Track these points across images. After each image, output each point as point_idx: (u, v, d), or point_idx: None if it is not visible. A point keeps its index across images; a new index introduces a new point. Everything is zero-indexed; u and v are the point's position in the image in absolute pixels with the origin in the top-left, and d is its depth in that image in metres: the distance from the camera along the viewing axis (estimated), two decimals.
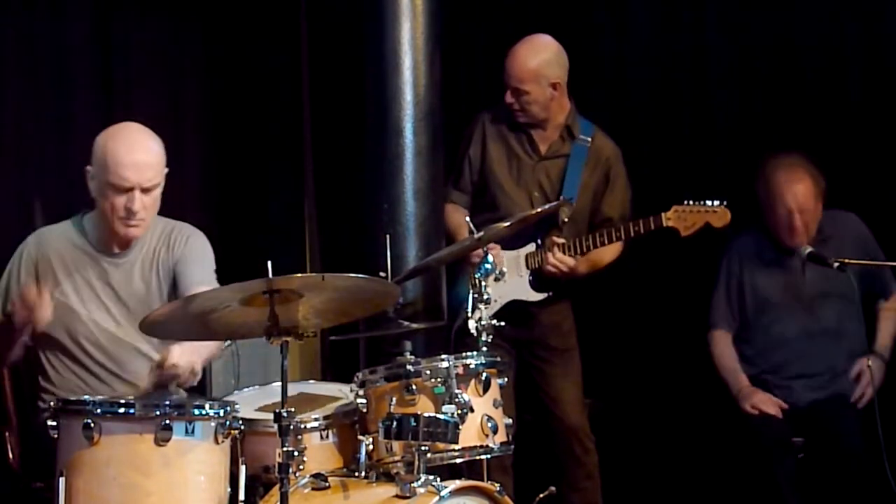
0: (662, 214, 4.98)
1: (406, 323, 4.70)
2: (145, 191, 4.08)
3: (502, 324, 4.29)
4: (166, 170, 4.17)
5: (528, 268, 5.09)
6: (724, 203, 4.98)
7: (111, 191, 4.06)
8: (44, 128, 5.36)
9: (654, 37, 5.99)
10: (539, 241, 5.09)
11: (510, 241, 5.02)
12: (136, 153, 4.06)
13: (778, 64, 5.78)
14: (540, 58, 5.08)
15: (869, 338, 5.05)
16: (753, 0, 5.80)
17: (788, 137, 5.53)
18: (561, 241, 5.03)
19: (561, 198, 5.08)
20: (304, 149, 6.15)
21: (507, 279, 4.99)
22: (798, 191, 5.03)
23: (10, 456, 4.23)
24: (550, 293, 5.12)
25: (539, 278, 5.10)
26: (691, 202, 4.98)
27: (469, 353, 4.02)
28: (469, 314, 4.23)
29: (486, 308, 4.23)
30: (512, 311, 5.05)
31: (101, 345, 4.17)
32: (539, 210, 4.77)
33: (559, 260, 5.01)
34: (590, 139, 5.16)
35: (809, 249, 4.99)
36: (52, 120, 5.39)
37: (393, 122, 4.83)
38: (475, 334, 4.20)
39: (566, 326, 5.22)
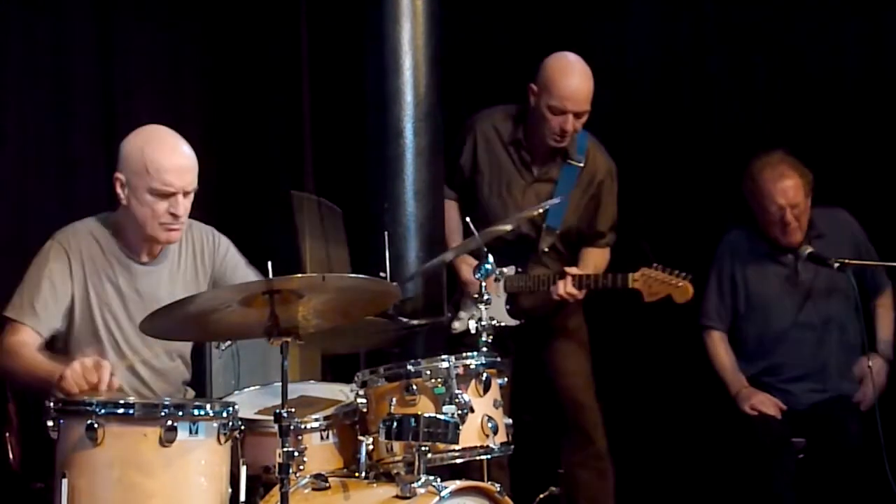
0: (630, 276, 4.90)
1: (406, 320, 4.70)
2: (186, 194, 4.03)
3: (502, 324, 4.28)
4: None
5: (505, 291, 5.03)
6: (689, 278, 4.90)
7: (153, 196, 3.99)
8: (43, 127, 5.36)
9: (654, 38, 6.00)
10: (518, 268, 5.04)
11: None
12: (178, 158, 4.02)
13: (777, 63, 5.79)
14: (591, 76, 4.98)
15: (870, 336, 5.07)
16: (753, 1, 5.81)
17: (786, 136, 5.53)
18: (576, 272, 4.94)
19: (544, 225, 5.03)
20: (304, 149, 6.15)
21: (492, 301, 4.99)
22: (787, 187, 5.03)
23: (11, 456, 4.23)
24: (523, 321, 5.07)
25: (514, 304, 5.05)
26: (659, 268, 4.89)
27: (469, 354, 4.02)
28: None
29: (486, 308, 4.24)
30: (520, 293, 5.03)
31: (122, 352, 4.08)
32: (538, 209, 4.76)
33: (569, 293, 4.93)
34: (583, 161, 5.06)
35: (810, 250, 5.01)
36: (53, 119, 5.39)
37: (393, 122, 4.83)
38: (475, 334, 4.21)
39: (571, 307, 5.14)
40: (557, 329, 5.16)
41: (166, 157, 3.99)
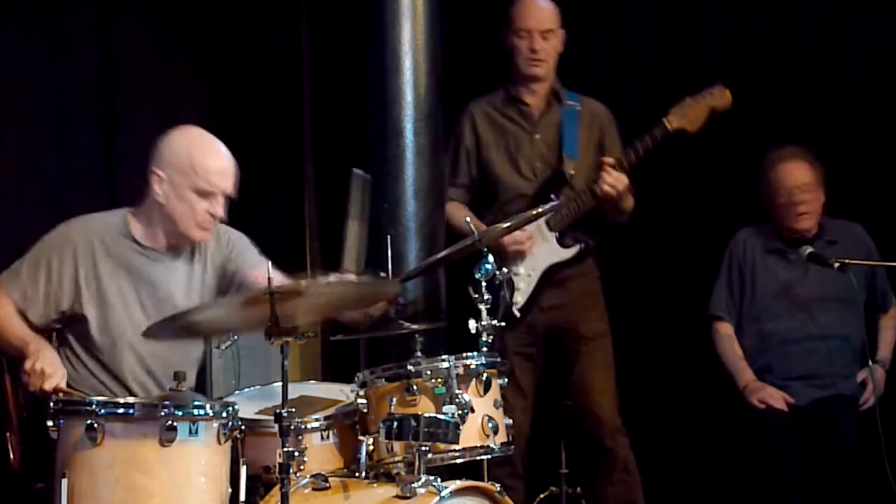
0: (664, 120, 4.93)
1: (406, 323, 4.70)
2: (225, 197, 4.15)
3: (503, 324, 4.28)
4: None
5: (551, 230, 5.06)
6: (719, 84, 4.92)
7: (196, 195, 4.08)
8: (43, 127, 5.36)
9: (654, 35, 6.01)
10: (554, 197, 5.03)
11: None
12: (224, 161, 4.15)
13: (779, 60, 5.80)
14: (554, 3, 5.12)
15: (871, 348, 5.08)
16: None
17: (789, 135, 5.54)
18: (612, 160, 4.95)
19: (563, 154, 5.06)
20: (304, 149, 6.15)
21: (535, 250, 5.00)
22: (798, 173, 5.12)
23: (11, 456, 4.22)
24: (581, 245, 5.08)
25: (565, 234, 5.07)
26: (686, 98, 4.92)
27: (469, 354, 4.02)
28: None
29: (486, 308, 4.23)
30: (543, 292, 5.04)
31: (132, 344, 4.08)
32: (538, 211, 4.74)
33: (616, 179, 4.93)
34: (578, 103, 5.16)
35: (810, 250, 5.03)
36: (53, 118, 5.39)
37: (393, 122, 4.84)
38: (475, 334, 4.21)
39: (597, 312, 5.18)
40: (584, 338, 5.15)
41: (214, 159, 4.12)
